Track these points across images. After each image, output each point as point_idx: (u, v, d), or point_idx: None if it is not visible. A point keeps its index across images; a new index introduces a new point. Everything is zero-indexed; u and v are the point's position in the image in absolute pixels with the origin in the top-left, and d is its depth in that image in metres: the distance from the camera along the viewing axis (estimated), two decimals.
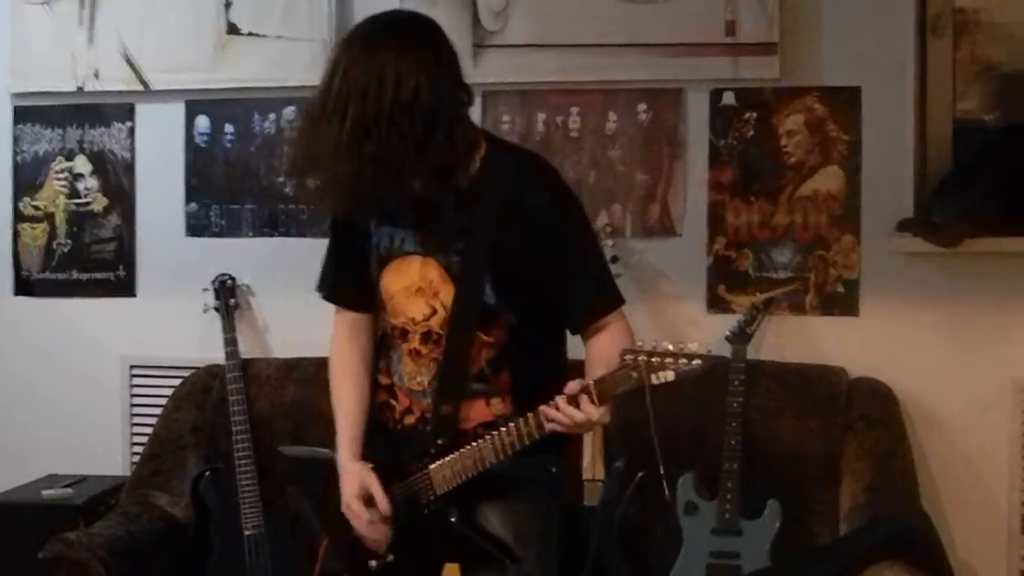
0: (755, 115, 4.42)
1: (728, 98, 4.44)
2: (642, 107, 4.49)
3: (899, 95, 4.34)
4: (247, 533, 4.33)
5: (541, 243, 2.96)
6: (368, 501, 3.04)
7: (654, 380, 2.74)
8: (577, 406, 2.80)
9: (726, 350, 4.12)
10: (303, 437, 4.35)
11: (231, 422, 4.41)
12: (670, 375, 2.74)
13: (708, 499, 4.06)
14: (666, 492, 2.92)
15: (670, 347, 2.75)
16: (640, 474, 4.06)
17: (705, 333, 4.20)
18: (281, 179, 4.74)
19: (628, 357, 2.76)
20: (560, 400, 2.81)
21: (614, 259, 4.14)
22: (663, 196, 4.49)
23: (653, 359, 2.74)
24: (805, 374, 4.26)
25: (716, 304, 4.46)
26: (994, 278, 4.27)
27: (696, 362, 2.74)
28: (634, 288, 4.31)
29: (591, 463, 4.09)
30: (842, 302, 4.38)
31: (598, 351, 2.98)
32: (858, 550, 3.74)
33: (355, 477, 3.07)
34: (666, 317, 4.41)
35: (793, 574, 3.94)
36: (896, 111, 4.34)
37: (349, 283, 3.17)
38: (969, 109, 4.47)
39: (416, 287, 3.03)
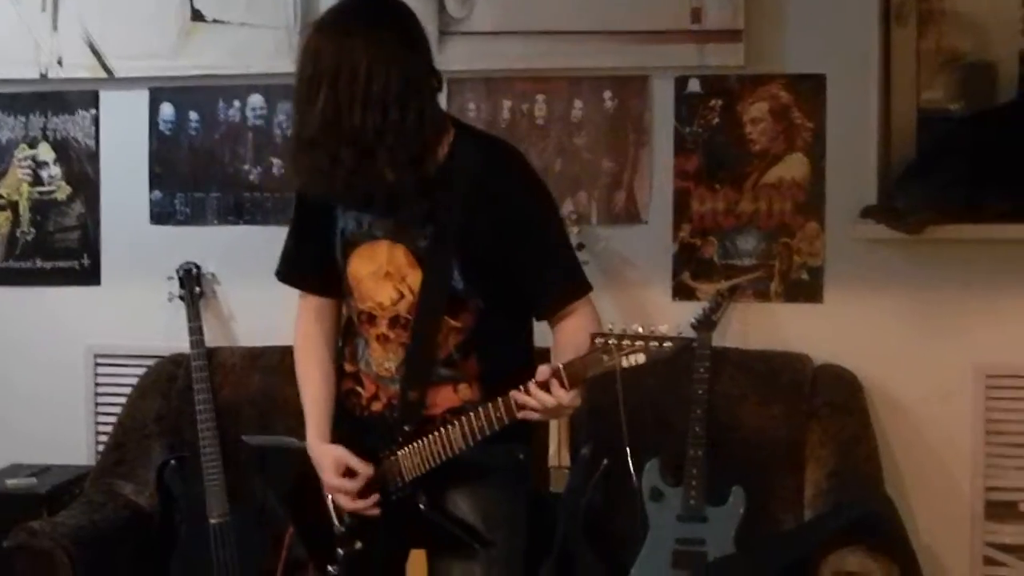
0: (720, 102, 4.43)
1: (693, 85, 4.45)
2: (608, 94, 4.50)
3: (864, 83, 4.36)
4: (212, 522, 4.33)
5: (509, 229, 2.97)
6: (347, 475, 3.04)
7: (625, 363, 2.75)
8: (548, 391, 2.81)
9: (692, 337, 4.13)
10: (268, 425, 4.34)
11: (196, 411, 4.40)
12: (641, 357, 2.75)
13: (673, 486, 4.08)
14: (632, 473, 2.93)
15: (640, 330, 2.76)
16: (605, 461, 4.08)
17: (670, 320, 4.18)
18: (246, 167, 4.73)
19: (599, 340, 2.77)
20: (531, 385, 2.82)
21: (580, 246, 4.14)
22: (629, 183, 4.50)
23: (624, 342, 2.75)
24: (770, 361, 4.28)
25: (681, 291, 4.47)
26: (957, 265, 4.30)
27: (667, 344, 2.75)
28: (600, 275, 4.31)
29: (557, 450, 4.10)
30: (806, 289, 4.40)
31: (566, 336, 2.99)
32: (822, 535, 3.76)
33: (328, 457, 3.06)
34: (632, 304, 4.42)
35: (758, 560, 3.95)
36: (861, 99, 4.36)
37: (314, 268, 3.16)
38: (934, 98, 4.49)
39: (384, 272, 3.02)
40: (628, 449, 3.01)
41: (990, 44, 4.45)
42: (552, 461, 4.09)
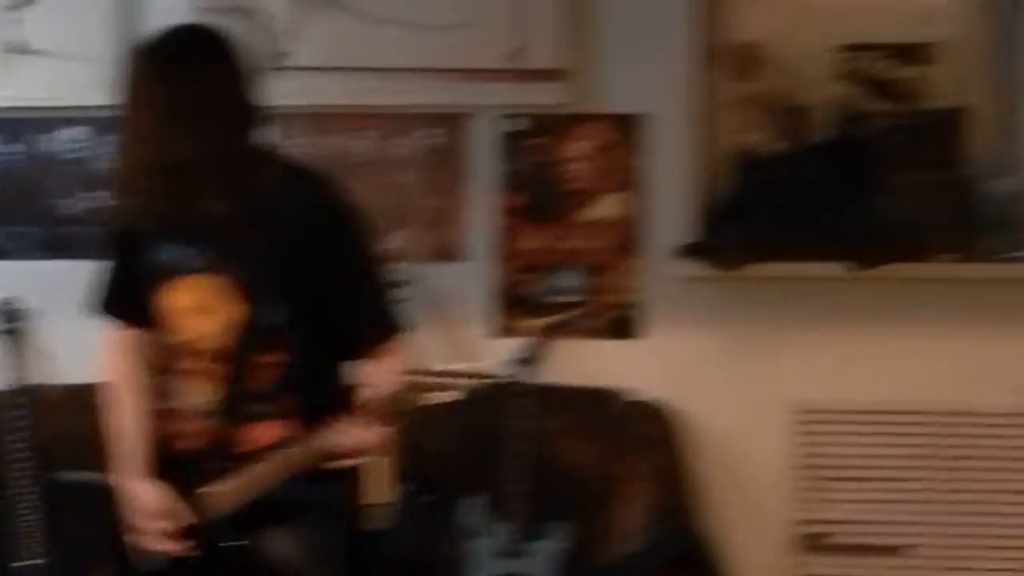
0: (543, 141, 4.47)
1: (516, 124, 4.48)
2: (431, 132, 4.51)
3: (684, 123, 4.44)
4: (28, 562, 4.24)
5: (330, 265, 2.98)
6: (162, 516, 3.01)
7: (437, 399, 2.78)
8: (361, 428, 2.82)
9: (512, 374, 4.16)
10: (88, 463, 4.25)
11: (13, 449, 4.32)
12: (453, 394, 2.78)
13: (495, 522, 4.09)
14: (453, 509, 2.95)
15: (454, 367, 2.79)
16: (428, 498, 4.08)
17: (492, 358, 4.22)
18: (68, 200, 4.65)
19: (412, 377, 2.79)
20: (343, 422, 2.83)
21: (402, 283, 4.14)
22: (452, 221, 4.51)
23: (440, 379, 2.77)
24: (590, 396, 4.32)
25: (503, 329, 4.49)
26: (772, 302, 4.40)
27: (484, 381, 2.78)
28: (422, 313, 4.31)
29: (378, 487, 4.08)
30: (626, 325, 4.46)
31: (380, 374, 2.99)
32: (640, 570, 3.82)
33: (145, 495, 3.02)
34: (454, 341, 4.43)
35: None
36: (681, 139, 4.44)
37: (132, 300, 3.12)
38: (752, 139, 4.60)
39: (203, 305, 3.00)
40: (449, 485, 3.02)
41: (808, 88, 4.58)
42: (373, 498, 4.08)
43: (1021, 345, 4.37)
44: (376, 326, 3.05)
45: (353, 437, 2.84)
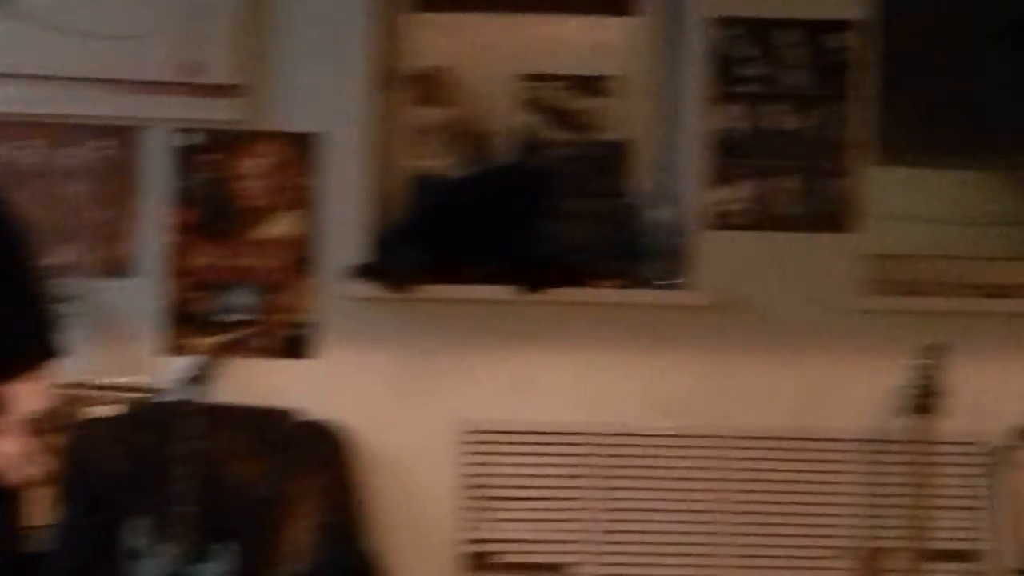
0: (218, 157, 4.43)
1: (191, 138, 4.42)
2: (102, 144, 4.41)
3: (360, 144, 4.47)
4: None
5: None
6: None
7: (97, 413, 2.73)
8: (16, 445, 2.74)
9: (182, 393, 4.10)
10: None
11: None
12: (114, 408, 2.73)
13: (160, 544, 4.02)
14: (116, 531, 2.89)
15: (116, 381, 2.74)
16: (91, 518, 3.99)
17: (161, 375, 4.16)
18: None
19: (70, 391, 2.73)
20: None
21: (68, 299, 4.03)
22: (121, 235, 4.42)
23: (98, 392, 2.73)
24: (261, 416, 4.30)
25: (173, 346, 4.40)
26: (443, 324, 4.46)
27: (142, 395, 2.75)
28: (89, 329, 4.20)
29: (37, 507, 3.97)
30: (298, 345, 4.45)
31: (35, 391, 2.91)
32: None
33: None
34: (121, 359, 4.33)
35: None
36: (357, 160, 4.47)
37: None
38: (431, 162, 4.67)
39: None
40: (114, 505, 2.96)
41: (491, 115, 4.67)
42: (31, 519, 3.96)
43: (675, 368, 4.54)
44: (32, 342, 2.96)
45: (8, 454, 2.75)
